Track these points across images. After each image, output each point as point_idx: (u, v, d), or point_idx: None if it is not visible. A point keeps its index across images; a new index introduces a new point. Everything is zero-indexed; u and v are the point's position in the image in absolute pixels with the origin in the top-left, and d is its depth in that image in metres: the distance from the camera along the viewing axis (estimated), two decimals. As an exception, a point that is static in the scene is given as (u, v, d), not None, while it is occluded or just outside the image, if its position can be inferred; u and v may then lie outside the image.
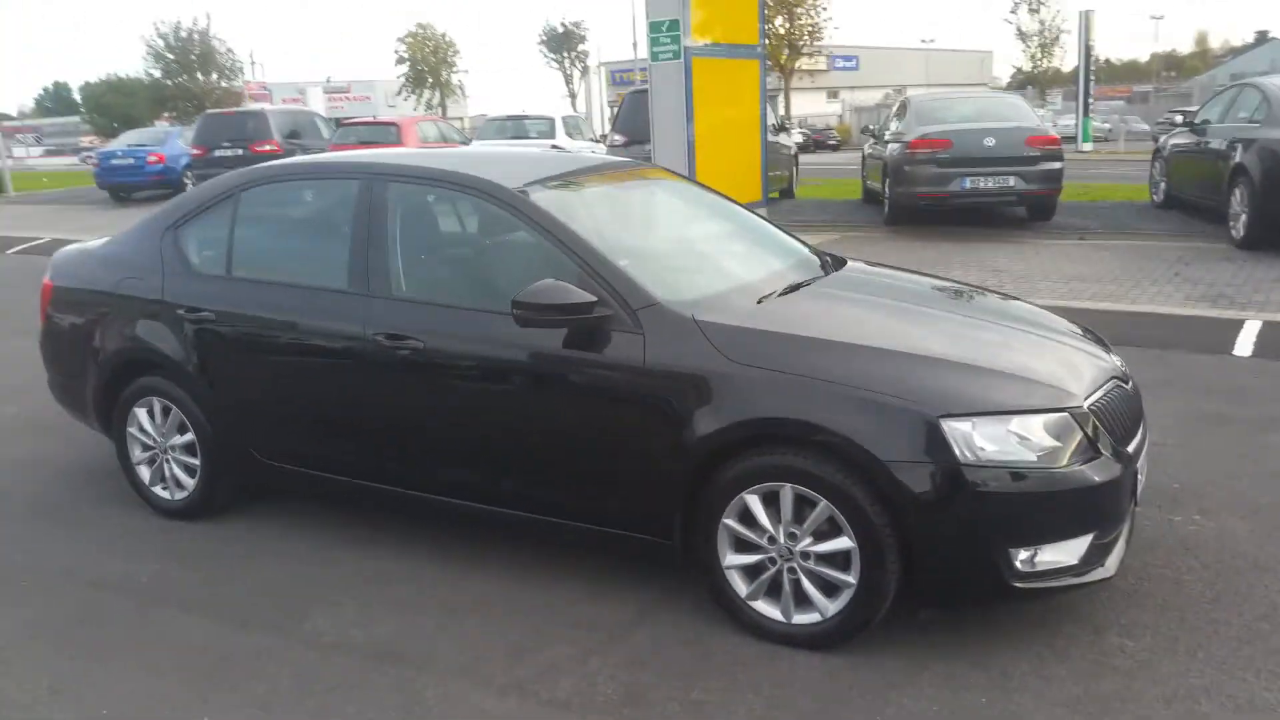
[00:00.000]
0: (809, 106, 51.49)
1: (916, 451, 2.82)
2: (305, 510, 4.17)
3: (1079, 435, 2.91)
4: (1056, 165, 11.07)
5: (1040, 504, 2.85)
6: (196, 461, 4.08)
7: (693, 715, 2.76)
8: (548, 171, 3.84)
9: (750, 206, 11.53)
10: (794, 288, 3.63)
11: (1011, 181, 11.00)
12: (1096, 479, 2.89)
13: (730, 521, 3.05)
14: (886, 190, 12.19)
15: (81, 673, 3.08)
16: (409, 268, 3.64)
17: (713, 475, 3.04)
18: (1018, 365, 3.11)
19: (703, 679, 2.92)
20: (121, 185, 22.64)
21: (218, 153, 20.22)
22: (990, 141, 11.04)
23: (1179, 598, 3.25)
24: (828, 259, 4.18)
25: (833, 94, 55.97)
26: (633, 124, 13.36)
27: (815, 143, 39.86)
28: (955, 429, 2.81)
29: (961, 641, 3.05)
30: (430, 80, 47.16)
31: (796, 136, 24.39)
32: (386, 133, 19.21)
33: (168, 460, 4.16)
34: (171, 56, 47.07)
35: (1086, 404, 2.99)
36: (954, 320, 3.56)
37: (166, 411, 4.11)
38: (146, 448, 4.21)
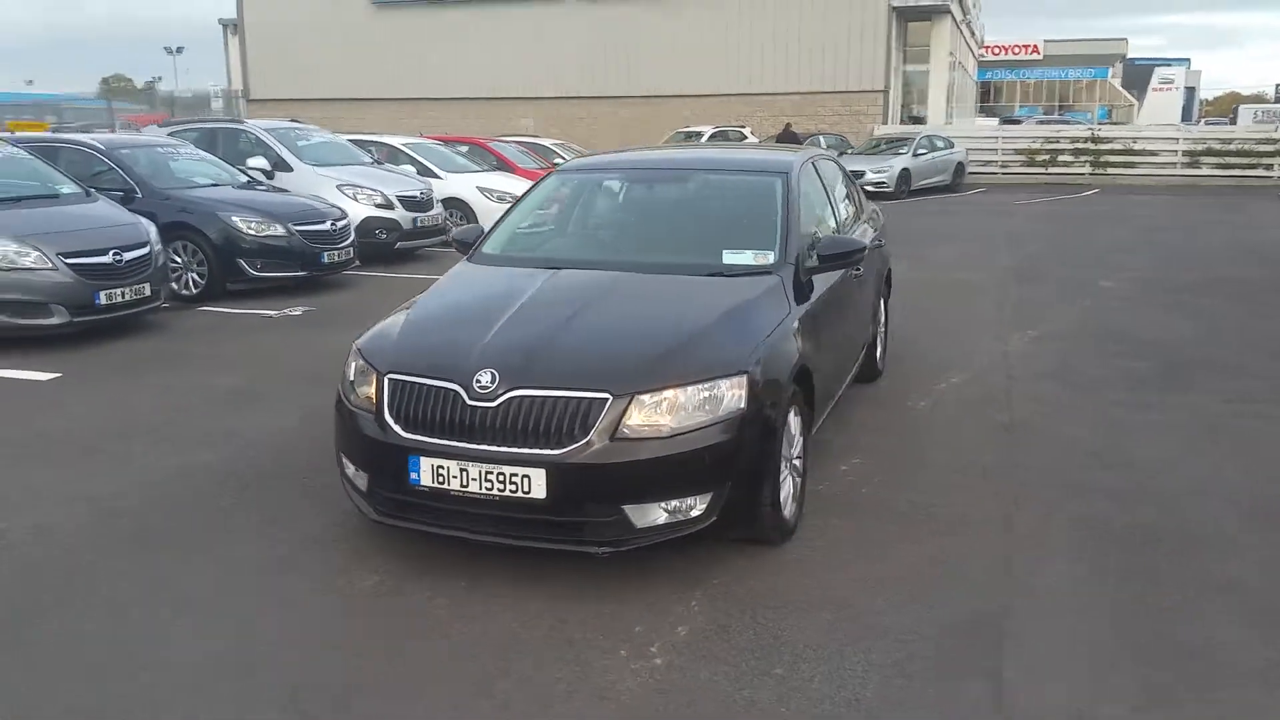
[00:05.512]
0: None
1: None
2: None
3: (382, 400, 3.81)
4: None
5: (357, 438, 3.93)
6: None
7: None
8: (622, 165, 5.86)
9: None
10: (588, 267, 4.65)
11: None
12: (365, 434, 3.81)
13: None
14: None
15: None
16: None
17: None
18: (433, 353, 3.93)
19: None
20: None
21: None
22: None
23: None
24: (785, 275, 4.44)
25: None
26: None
27: None
28: (350, 365, 4.09)
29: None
30: None
31: None
32: None
33: None
34: None
35: (393, 377, 3.81)
36: (557, 318, 4.05)
37: None
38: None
